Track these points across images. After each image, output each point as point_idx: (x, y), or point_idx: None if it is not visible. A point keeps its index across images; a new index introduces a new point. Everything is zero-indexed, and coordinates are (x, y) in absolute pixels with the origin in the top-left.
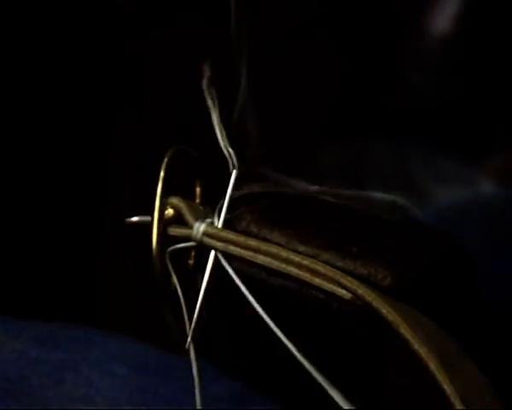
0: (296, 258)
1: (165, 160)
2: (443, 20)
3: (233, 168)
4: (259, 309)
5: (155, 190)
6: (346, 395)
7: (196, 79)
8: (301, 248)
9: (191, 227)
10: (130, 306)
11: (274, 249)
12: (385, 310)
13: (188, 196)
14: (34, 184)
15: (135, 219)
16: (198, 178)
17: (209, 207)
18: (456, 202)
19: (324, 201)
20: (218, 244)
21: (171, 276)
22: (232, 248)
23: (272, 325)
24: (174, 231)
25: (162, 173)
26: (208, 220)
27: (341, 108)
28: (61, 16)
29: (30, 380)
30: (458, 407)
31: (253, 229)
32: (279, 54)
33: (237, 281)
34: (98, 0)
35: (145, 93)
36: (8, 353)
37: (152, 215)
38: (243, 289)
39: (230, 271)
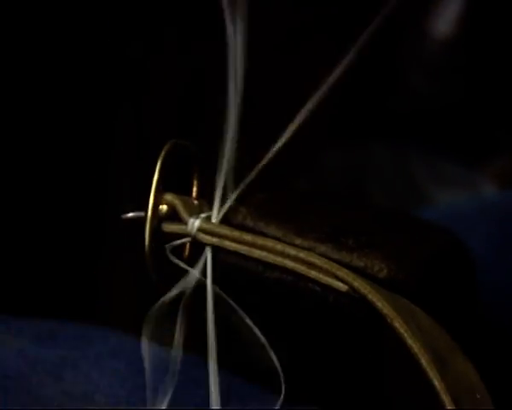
0: (292, 251)
1: (163, 152)
2: (444, 22)
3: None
4: (231, 302)
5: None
6: (345, 387)
7: (197, 79)
8: (298, 240)
9: (186, 223)
10: (131, 303)
11: (269, 243)
12: (380, 303)
13: (184, 191)
14: (35, 183)
15: (130, 214)
16: (195, 173)
17: (204, 202)
18: (458, 206)
19: (323, 196)
20: (214, 240)
21: (166, 271)
22: (228, 244)
23: (244, 315)
24: (168, 227)
25: (159, 165)
26: (203, 216)
27: (343, 111)
28: (62, 17)
29: (29, 378)
30: (448, 407)
31: (249, 222)
32: (279, 55)
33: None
34: (99, 1)
35: (145, 93)
36: (6, 350)
37: (146, 209)
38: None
39: (209, 269)
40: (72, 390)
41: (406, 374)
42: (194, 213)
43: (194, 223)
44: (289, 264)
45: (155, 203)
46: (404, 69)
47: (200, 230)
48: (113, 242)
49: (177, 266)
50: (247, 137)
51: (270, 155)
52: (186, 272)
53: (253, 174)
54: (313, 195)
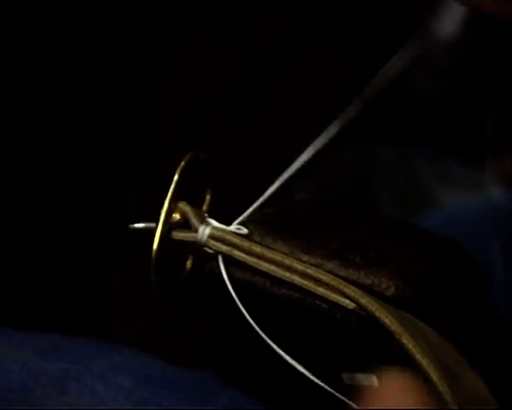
0: (300, 266)
1: (182, 164)
2: (449, 23)
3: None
4: (246, 314)
5: (161, 195)
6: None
7: (203, 82)
8: (304, 258)
9: (196, 230)
10: (136, 314)
11: (278, 257)
12: (388, 320)
13: (196, 203)
14: (39, 188)
15: (140, 225)
16: (209, 186)
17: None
18: (465, 208)
19: (328, 208)
20: (224, 247)
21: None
22: (237, 253)
23: (261, 332)
24: (178, 235)
25: (176, 177)
26: (214, 223)
27: (347, 111)
28: (66, 19)
29: (33, 391)
30: None
31: (256, 238)
32: (284, 55)
33: (228, 285)
34: (103, 3)
35: (150, 96)
36: (10, 363)
37: (157, 219)
38: (233, 293)
39: (224, 274)
40: (76, 403)
41: None
42: (205, 222)
43: (205, 230)
44: (297, 279)
45: (168, 211)
46: (410, 69)
47: (210, 236)
48: (119, 250)
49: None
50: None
51: (286, 175)
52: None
53: (268, 193)
54: (319, 206)
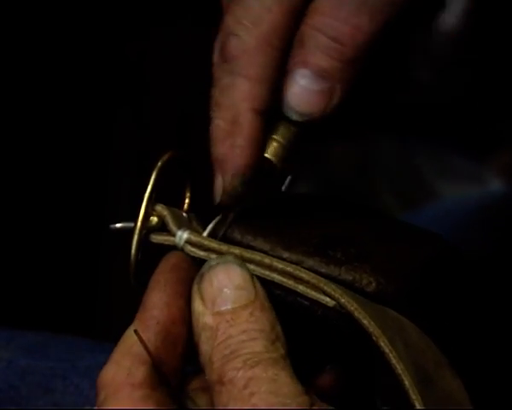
0: (279, 265)
1: (159, 164)
2: (451, 16)
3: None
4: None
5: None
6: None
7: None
8: (285, 254)
9: (174, 235)
10: (131, 313)
11: (257, 257)
12: (366, 321)
13: (176, 202)
14: (34, 186)
15: (119, 225)
16: (188, 186)
17: (194, 215)
18: (465, 202)
19: (315, 204)
20: (201, 253)
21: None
22: (215, 257)
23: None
24: (156, 238)
25: (153, 176)
26: (192, 228)
27: (348, 105)
28: (62, 18)
29: (19, 389)
30: None
31: (237, 236)
32: None
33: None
34: (98, 2)
35: (144, 94)
36: None
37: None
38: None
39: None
40: (61, 402)
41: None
42: (184, 225)
43: (183, 235)
44: (277, 277)
45: (146, 214)
46: (411, 63)
47: (187, 242)
48: (114, 248)
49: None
50: None
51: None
52: None
53: (250, 199)
54: (305, 202)
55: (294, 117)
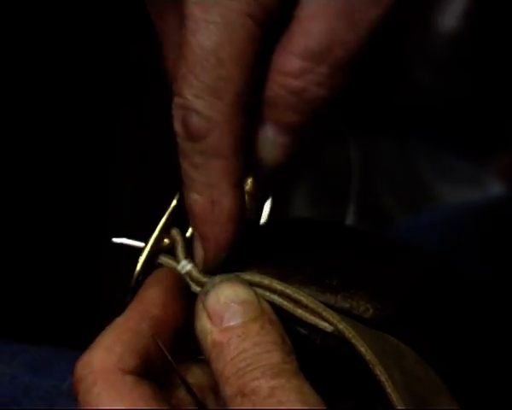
0: (279, 286)
1: (174, 201)
2: (450, 17)
3: None
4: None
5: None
6: None
7: None
8: (282, 286)
9: (178, 262)
10: None
11: (257, 278)
12: (363, 348)
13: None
14: (34, 186)
15: (121, 240)
16: None
17: None
18: (465, 208)
19: (299, 228)
20: (198, 289)
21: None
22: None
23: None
24: (162, 260)
25: (169, 210)
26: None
27: (348, 107)
28: (64, 18)
29: (22, 404)
30: None
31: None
32: None
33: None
34: (101, 2)
35: (146, 95)
36: None
37: (144, 239)
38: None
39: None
40: None
41: None
42: (188, 258)
43: (186, 266)
44: (276, 299)
45: (157, 239)
46: (410, 64)
47: (188, 274)
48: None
49: None
50: None
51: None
52: None
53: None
54: (297, 229)
55: (265, 169)
